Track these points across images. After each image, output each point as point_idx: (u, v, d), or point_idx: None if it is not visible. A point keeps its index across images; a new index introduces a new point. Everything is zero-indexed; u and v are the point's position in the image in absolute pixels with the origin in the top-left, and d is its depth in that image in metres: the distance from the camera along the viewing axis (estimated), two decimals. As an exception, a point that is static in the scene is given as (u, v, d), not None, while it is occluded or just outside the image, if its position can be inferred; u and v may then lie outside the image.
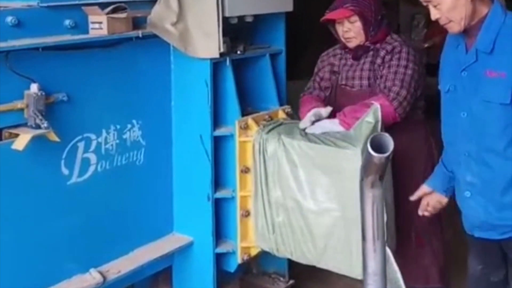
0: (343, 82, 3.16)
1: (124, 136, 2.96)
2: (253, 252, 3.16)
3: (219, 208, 3.15)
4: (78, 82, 2.73)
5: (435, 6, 2.29)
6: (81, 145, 2.77)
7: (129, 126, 2.98)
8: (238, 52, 3.17)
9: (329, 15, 3.10)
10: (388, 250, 2.71)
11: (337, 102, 3.14)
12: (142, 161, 3.05)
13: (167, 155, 3.17)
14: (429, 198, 2.66)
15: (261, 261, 3.50)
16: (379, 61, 3.07)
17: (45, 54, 2.56)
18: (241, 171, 3.05)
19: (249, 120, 3.05)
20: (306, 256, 2.93)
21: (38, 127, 2.50)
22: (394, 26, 6.59)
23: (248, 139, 3.03)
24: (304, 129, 2.95)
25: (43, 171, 2.65)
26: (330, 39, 3.33)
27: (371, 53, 3.11)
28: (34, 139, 2.48)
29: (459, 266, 3.10)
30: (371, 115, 2.76)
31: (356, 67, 3.13)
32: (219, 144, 3.11)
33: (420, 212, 2.71)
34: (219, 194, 3.12)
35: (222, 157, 3.13)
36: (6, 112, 2.47)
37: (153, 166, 3.10)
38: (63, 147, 2.69)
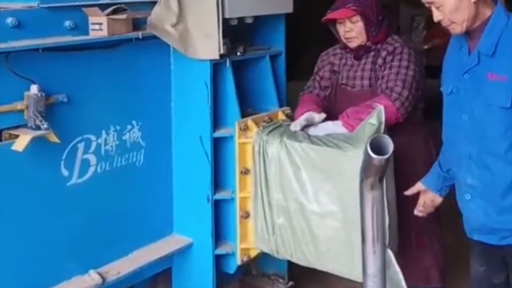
0: (344, 82, 3.16)
1: (124, 137, 2.96)
2: (253, 253, 3.16)
3: (219, 210, 3.15)
4: (78, 83, 2.73)
5: (437, 8, 2.29)
6: (81, 146, 2.77)
7: (129, 127, 2.98)
8: (238, 53, 3.17)
9: (331, 15, 3.10)
10: (390, 252, 2.71)
11: (337, 102, 3.15)
12: (142, 162, 3.05)
13: (167, 156, 3.17)
14: (424, 196, 2.67)
15: (260, 262, 3.50)
16: (380, 61, 3.08)
17: (45, 55, 2.56)
18: (241, 173, 3.05)
19: (249, 121, 3.05)
20: (307, 258, 2.92)
21: (38, 128, 2.50)
22: (394, 27, 6.58)
23: (248, 141, 3.02)
24: (303, 131, 2.95)
25: (43, 172, 2.65)
26: (330, 39, 3.34)
27: (372, 53, 3.11)
28: (34, 140, 2.48)
29: (459, 267, 3.11)
30: (375, 117, 2.75)
31: (357, 67, 3.13)
32: (218, 146, 3.11)
33: (415, 212, 2.71)
34: (218, 196, 3.12)
35: (222, 158, 3.13)
36: (6, 113, 2.47)
37: (153, 167, 3.10)
38: (63, 148, 2.69)
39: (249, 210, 3.07)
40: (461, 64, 2.35)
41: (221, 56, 2.99)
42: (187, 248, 3.18)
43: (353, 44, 3.14)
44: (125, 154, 2.97)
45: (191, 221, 3.18)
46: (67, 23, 2.67)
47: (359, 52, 3.13)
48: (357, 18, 3.06)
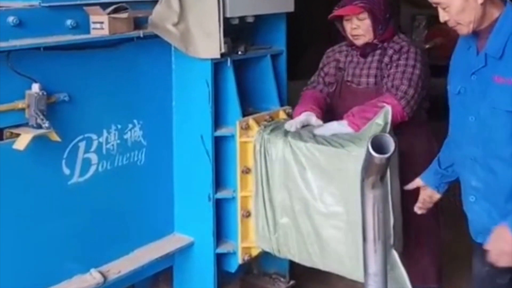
0: (349, 79, 3.15)
1: (125, 136, 2.96)
2: (254, 252, 3.16)
3: (220, 209, 3.15)
4: (79, 82, 2.73)
5: (444, 9, 2.26)
6: (82, 145, 2.77)
7: (130, 126, 2.98)
8: (239, 52, 3.17)
9: (338, 12, 3.09)
10: (395, 253, 2.71)
11: (341, 99, 3.15)
12: (143, 161, 3.05)
13: (168, 155, 3.17)
14: (423, 193, 2.67)
15: (261, 261, 3.50)
16: (386, 59, 3.08)
17: (47, 54, 2.57)
18: (242, 172, 3.05)
19: (250, 120, 3.05)
20: (311, 258, 2.91)
21: (39, 127, 2.50)
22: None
23: (249, 140, 3.03)
24: (308, 131, 2.95)
25: (44, 171, 2.65)
26: (330, 39, 3.33)
27: (378, 51, 3.11)
28: (35, 139, 2.48)
29: (459, 266, 3.11)
30: (382, 117, 2.74)
31: (363, 65, 3.13)
32: (220, 145, 3.11)
33: (415, 209, 2.71)
34: (220, 195, 3.12)
35: (223, 157, 3.13)
36: (7, 112, 2.47)
37: (154, 166, 3.10)
38: (64, 147, 2.69)
39: (250, 209, 3.08)
40: (469, 64, 2.32)
41: (222, 55, 2.99)
42: (188, 247, 3.18)
43: (359, 42, 3.13)
44: (126, 153, 2.97)
45: (192, 220, 3.18)
46: (68, 22, 2.67)
47: (365, 50, 3.13)
48: (365, 15, 3.05)
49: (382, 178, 2.37)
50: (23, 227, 2.60)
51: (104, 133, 2.86)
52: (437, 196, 2.66)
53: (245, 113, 3.11)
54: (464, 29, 2.27)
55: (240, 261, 3.15)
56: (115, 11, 2.78)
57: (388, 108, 2.79)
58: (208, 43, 2.95)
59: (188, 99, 3.10)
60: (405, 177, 2.89)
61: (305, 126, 2.99)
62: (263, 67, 3.32)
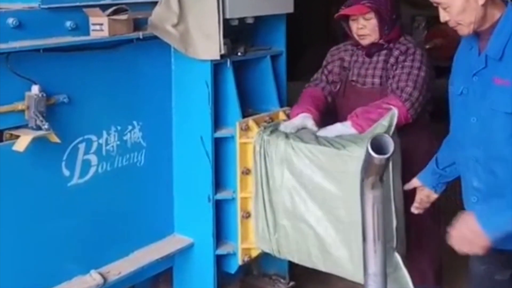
0: (354, 79, 3.15)
1: (125, 138, 2.96)
2: (254, 253, 3.16)
3: (220, 210, 3.16)
4: (79, 83, 2.73)
5: (444, 9, 2.26)
6: (82, 147, 2.77)
7: (129, 127, 2.98)
8: (239, 53, 3.17)
9: (344, 11, 3.09)
10: (398, 255, 2.71)
11: (345, 98, 3.15)
12: (143, 162, 3.05)
13: (167, 156, 3.17)
14: (420, 193, 2.67)
15: (261, 262, 3.50)
16: (392, 60, 3.07)
17: (46, 55, 2.57)
18: (242, 173, 3.05)
19: (250, 121, 3.05)
20: (312, 259, 2.90)
21: (39, 128, 2.50)
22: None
23: (249, 141, 3.03)
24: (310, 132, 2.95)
25: (44, 172, 2.65)
26: (329, 40, 3.33)
27: (384, 51, 3.10)
28: (35, 140, 2.48)
29: (458, 265, 3.09)
30: (388, 119, 2.74)
31: (369, 65, 3.13)
32: (219, 146, 3.11)
33: (412, 209, 2.71)
34: (219, 196, 3.12)
35: (223, 158, 3.13)
36: (7, 113, 2.47)
37: (153, 168, 3.10)
38: (64, 148, 2.69)
39: (250, 210, 3.08)
40: (470, 65, 2.31)
41: (221, 56, 2.99)
42: (188, 248, 3.18)
43: (365, 42, 3.12)
44: (126, 154, 2.97)
45: (192, 221, 3.18)
46: (68, 23, 2.67)
47: (371, 50, 3.13)
48: (371, 15, 3.05)
49: (382, 178, 2.38)
50: (23, 228, 2.60)
51: (104, 134, 2.87)
52: (434, 196, 2.66)
53: (245, 114, 3.11)
54: (464, 30, 2.27)
55: (240, 262, 3.15)
56: (115, 12, 2.78)
57: (395, 110, 2.79)
58: (207, 44, 2.95)
59: (187, 100, 3.10)
60: (406, 179, 2.89)
61: (300, 130, 2.99)
62: (262, 68, 3.32)
